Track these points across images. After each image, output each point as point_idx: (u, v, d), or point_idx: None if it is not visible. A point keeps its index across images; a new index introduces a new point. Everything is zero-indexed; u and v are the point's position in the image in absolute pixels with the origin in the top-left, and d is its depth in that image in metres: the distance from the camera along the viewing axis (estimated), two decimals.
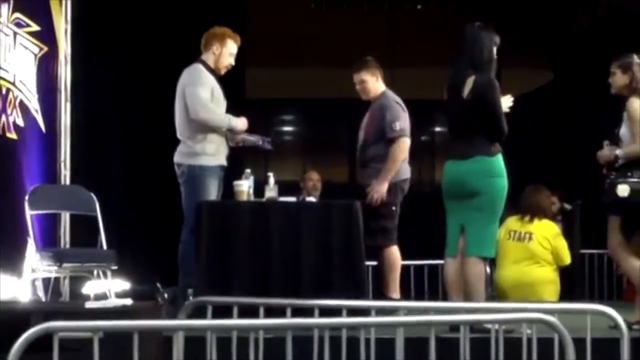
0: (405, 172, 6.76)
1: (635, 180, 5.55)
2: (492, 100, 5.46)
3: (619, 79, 5.74)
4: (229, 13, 8.91)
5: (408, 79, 10.48)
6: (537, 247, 7.37)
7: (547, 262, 7.41)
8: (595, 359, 4.12)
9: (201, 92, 6.29)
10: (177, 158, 6.39)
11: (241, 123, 6.43)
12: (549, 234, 7.44)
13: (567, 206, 9.37)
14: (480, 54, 5.53)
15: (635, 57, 5.75)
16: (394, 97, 6.79)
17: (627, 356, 3.79)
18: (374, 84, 6.81)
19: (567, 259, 7.53)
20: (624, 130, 5.70)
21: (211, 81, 6.38)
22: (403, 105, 6.78)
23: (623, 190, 5.55)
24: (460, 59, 5.58)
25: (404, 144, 6.65)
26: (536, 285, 7.32)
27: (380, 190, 6.55)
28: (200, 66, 6.42)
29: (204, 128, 6.31)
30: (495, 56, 5.58)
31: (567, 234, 8.36)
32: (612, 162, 5.67)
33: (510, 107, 5.67)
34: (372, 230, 6.52)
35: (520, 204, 7.47)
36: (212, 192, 6.28)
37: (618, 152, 5.64)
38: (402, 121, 6.67)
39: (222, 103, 6.44)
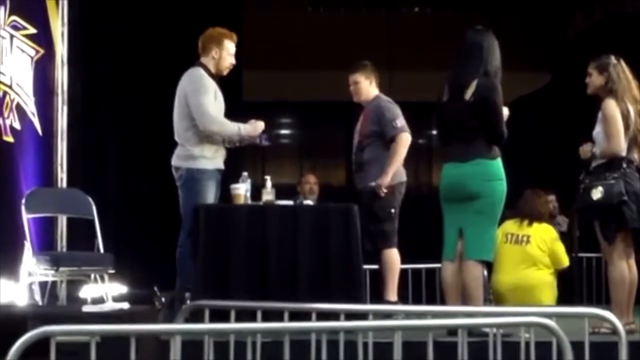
0: (402, 175, 6.76)
1: (608, 182, 5.56)
2: (494, 102, 5.46)
3: (595, 79, 5.76)
4: (225, 15, 8.91)
5: (405, 81, 10.46)
6: (535, 250, 7.37)
7: (545, 265, 7.42)
8: None
9: (207, 102, 6.23)
10: (175, 161, 6.36)
11: (252, 129, 6.36)
12: (546, 236, 7.45)
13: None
14: (490, 59, 5.51)
15: (612, 58, 5.75)
16: (388, 99, 6.83)
17: None
18: (366, 87, 6.84)
19: (565, 262, 7.54)
20: (597, 131, 5.71)
21: (213, 86, 6.35)
22: (397, 106, 6.81)
23: (596, 193, 5.57)
24: (464, 61, 5.57)
25: (407, 140, 6.67)
26: (534, 288, 7.33)
27: (383, 184, 6.54)
28: (201, 71, 6.37)
29: (202, 132, 6.29)
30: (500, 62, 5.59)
31: (565, 237, 8.37)
32: (589, 159, 5.69)
33: (508, 116, 5.66)
34: (372, 233, 6.52)
35: (518, 208, 7.46)
36: (210, 195, 6.26)
37: (595, 149, 5.66)
38: (402, 119, 6.70)
39: (222, 106, 6.41)
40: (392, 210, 6.64)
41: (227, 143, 6.44)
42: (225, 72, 6.47)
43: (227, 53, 6.42)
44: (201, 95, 6.26)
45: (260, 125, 6.40)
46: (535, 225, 7.47)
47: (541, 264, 7.41)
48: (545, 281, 7.41)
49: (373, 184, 6.62)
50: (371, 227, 6.50)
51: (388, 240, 6.62)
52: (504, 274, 7.36)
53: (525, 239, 7.42)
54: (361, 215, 6.10)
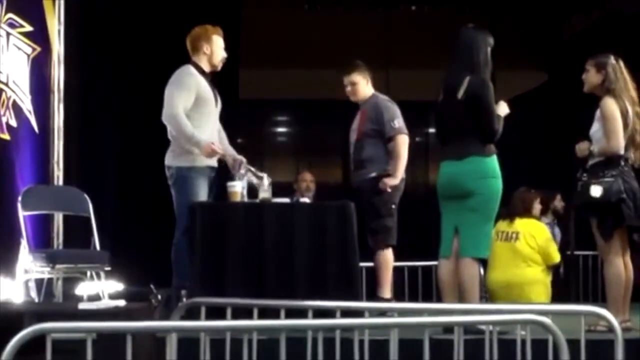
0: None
1: (607, 180, 5.56)
2: (485, 99, 5.47)
3: (592, 77, 5.76)
4: (223, 15, 8.89)
5: (403, 80, 10.48)
6: (524, 247, 7.40)
7: (535, 262, 7.44)
8: None
9: (177, 95, 6.19)
10: (167, 160, 6.32)
11: (205, 152, 6.16)
12: (535, 233, 7.47)
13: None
14: (476, 56, 5.54)
15: (612, 57, 5.76)
16: (385, 97, 6.85)
17: (621, 358, 3.78)
18: (364, 86, 6.85)
19: (556, 257, 7.55)
20: (595, 129, 5.71)
21: (199, 83, 6.29)
22: (396, 105, 6.82)
23: (596, 190, 5.57)
24: (456, 61, 5.59)
25: (404, 141, 6.69)
26: (525, 285, 7.35)
27: (390, 184, 6.56)
28: (190, 68, 6.35)
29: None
30: (490, 58, 5.59)
31: (562, 235, 8.35)
32: (586, 157, 5.69)
33: (508, 113, 5.66)
34: (375, 229, 6.52)
35: (508, 206, 7.49)
36: (202, 193, 6.22)
37: (592, 147, 5.67)
38: (400, 119, 6.71)
39: (210, 104, 6.35)
40: (393, 206, 6.66)
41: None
42: (219, 66, 6.46)
43: (217, 47, 6.42)
44: (175, 88, 6.23)
45: (212, 152, 6.20)
46: (523, 220, 7.50)
47: (531, 261, 7.43)
48: (536, 278, 7.42)
49: (374, 174, 6.61)
50: (374, 223, 6.51)
51: (390, 235, 6.62)
52: (496, 271, 7.39)
53: (514, 235, 7.45)
54: (361, 211, 6.10)
